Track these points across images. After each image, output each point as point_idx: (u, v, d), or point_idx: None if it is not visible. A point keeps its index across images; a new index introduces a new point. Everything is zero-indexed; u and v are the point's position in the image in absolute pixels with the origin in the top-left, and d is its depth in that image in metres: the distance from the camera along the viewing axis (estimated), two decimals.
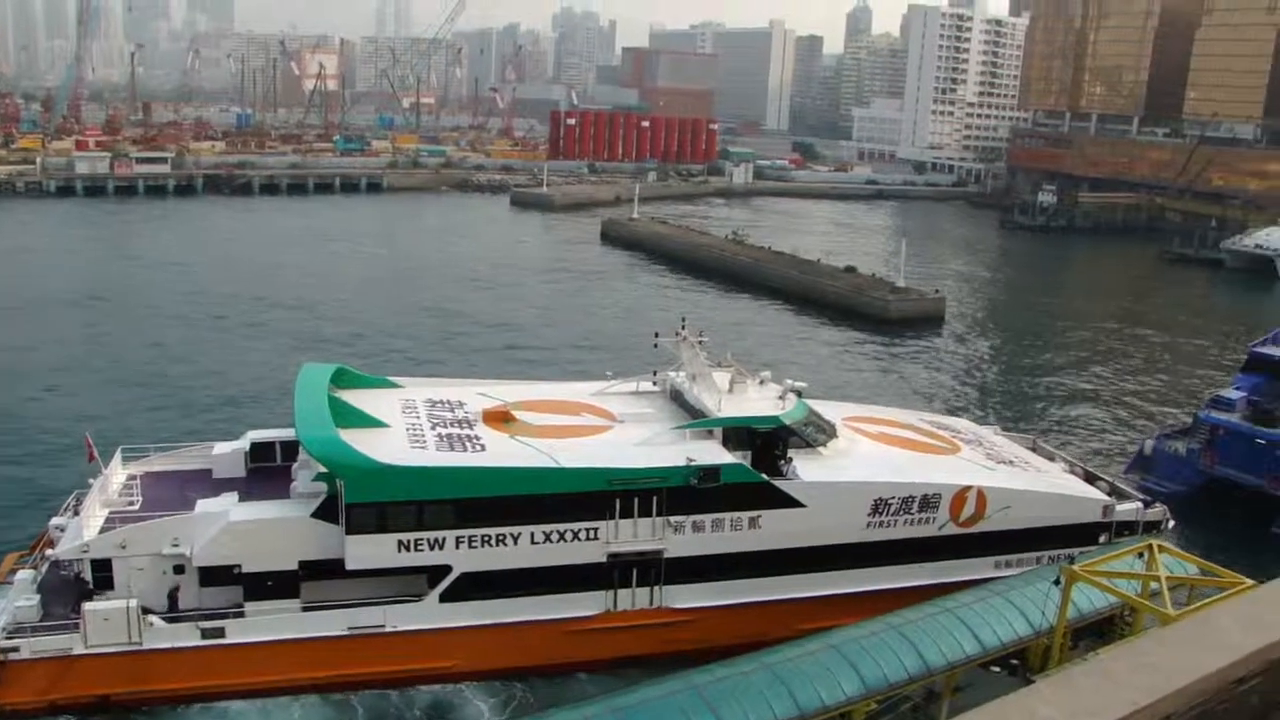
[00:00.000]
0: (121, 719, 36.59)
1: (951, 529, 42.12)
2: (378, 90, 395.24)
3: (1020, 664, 32.88)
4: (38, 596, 36.88)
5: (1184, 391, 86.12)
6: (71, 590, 37.59)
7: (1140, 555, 32.23)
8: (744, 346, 79.55)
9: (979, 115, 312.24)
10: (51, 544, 38.57)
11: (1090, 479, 47.78)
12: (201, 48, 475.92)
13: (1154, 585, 30.47)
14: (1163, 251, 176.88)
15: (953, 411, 68.07)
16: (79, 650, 35.92)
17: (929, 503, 41.66)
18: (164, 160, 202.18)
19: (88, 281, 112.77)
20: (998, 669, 32.95)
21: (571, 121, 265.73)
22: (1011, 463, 46.96)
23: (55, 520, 39.56)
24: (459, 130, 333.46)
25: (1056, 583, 31.41)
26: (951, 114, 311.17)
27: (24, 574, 38.09)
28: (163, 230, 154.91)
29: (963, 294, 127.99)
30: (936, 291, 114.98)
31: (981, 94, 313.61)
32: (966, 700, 30.82)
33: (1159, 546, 31.93)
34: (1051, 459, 50.04)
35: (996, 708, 8.04)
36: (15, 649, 35.43)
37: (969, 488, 42.27)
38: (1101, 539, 43.88)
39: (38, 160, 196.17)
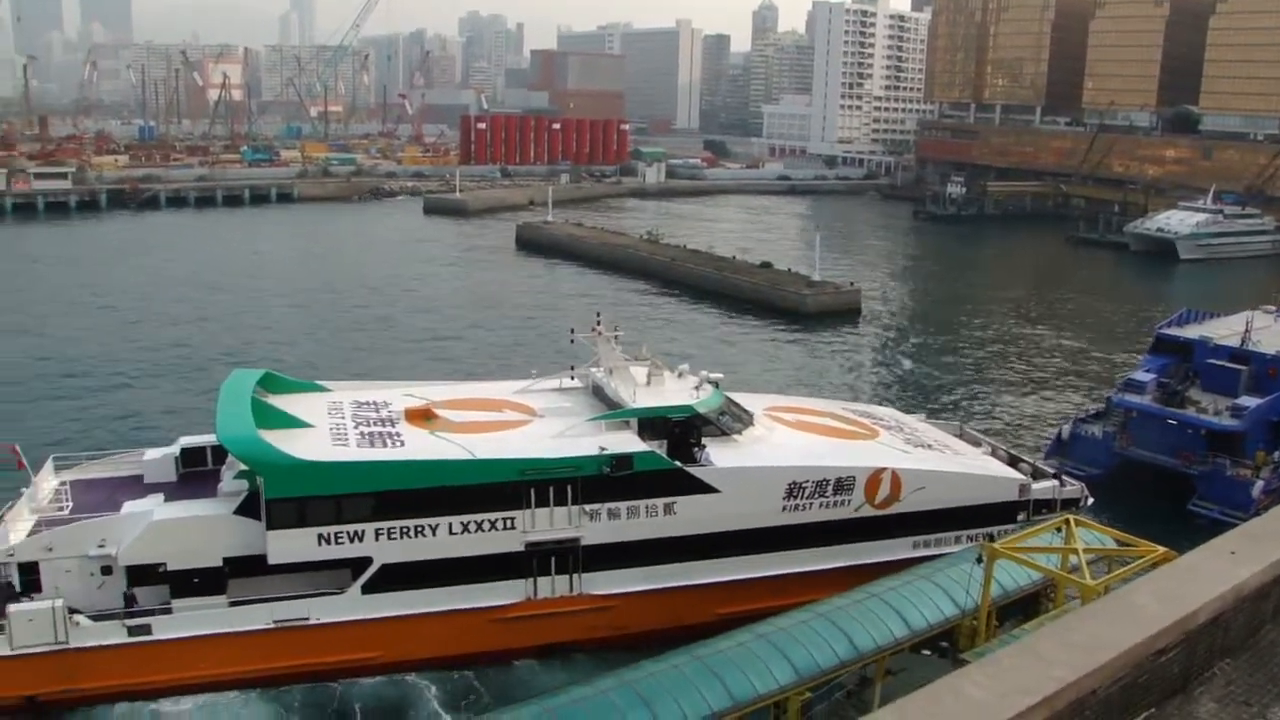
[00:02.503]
0: (50, 719, 36.66)
1: (868, 510, 42.93)
2: (284, 99, 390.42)
3: (949, 645, 33.38)
4: None
5: (1098, 373, 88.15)
6: (2, 595, 37.46)
7: (1058, 530, 32.90)
8: (665, 343, 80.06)
9: (886, 109, 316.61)
10: None
11: (1013, 462, 48.74)
12: (99, 59, 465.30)
13: (1073, 559, 31.15)
14: (1069, 236, 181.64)
15: (877, 402, 68.85)
16: (5, 652, 35.94)
17: (843, 485, 42.44)
18: (64, 176, 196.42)
19: (6, 302, 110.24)
20: (928, 651, 33.45)
21: (482, 126, 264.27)
22: (930, 446, 47.81)
23: None
24: (369, 138, 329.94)
25: (979, 561, 31.93)
26: (859, 108, 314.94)
27: None
28: (68, 247, 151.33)
29: (878, 286, 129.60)
30: (852, 284, 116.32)
31: (888, 88, 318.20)
32: (899, 684, 31.21)
33: (1076, 521, 32.62)
34: (977, 444, 50.96)
35: (929, 692, 8.21)
36: None
37: (883, 469, 43.06)
38: (1020, 518, 44.78)
39: None
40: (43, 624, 36.17)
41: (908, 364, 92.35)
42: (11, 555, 37.18)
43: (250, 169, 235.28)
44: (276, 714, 37.58)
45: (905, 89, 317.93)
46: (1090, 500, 47.49)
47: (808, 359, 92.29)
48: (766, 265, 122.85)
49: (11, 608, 36.12)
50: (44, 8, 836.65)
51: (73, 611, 36.79)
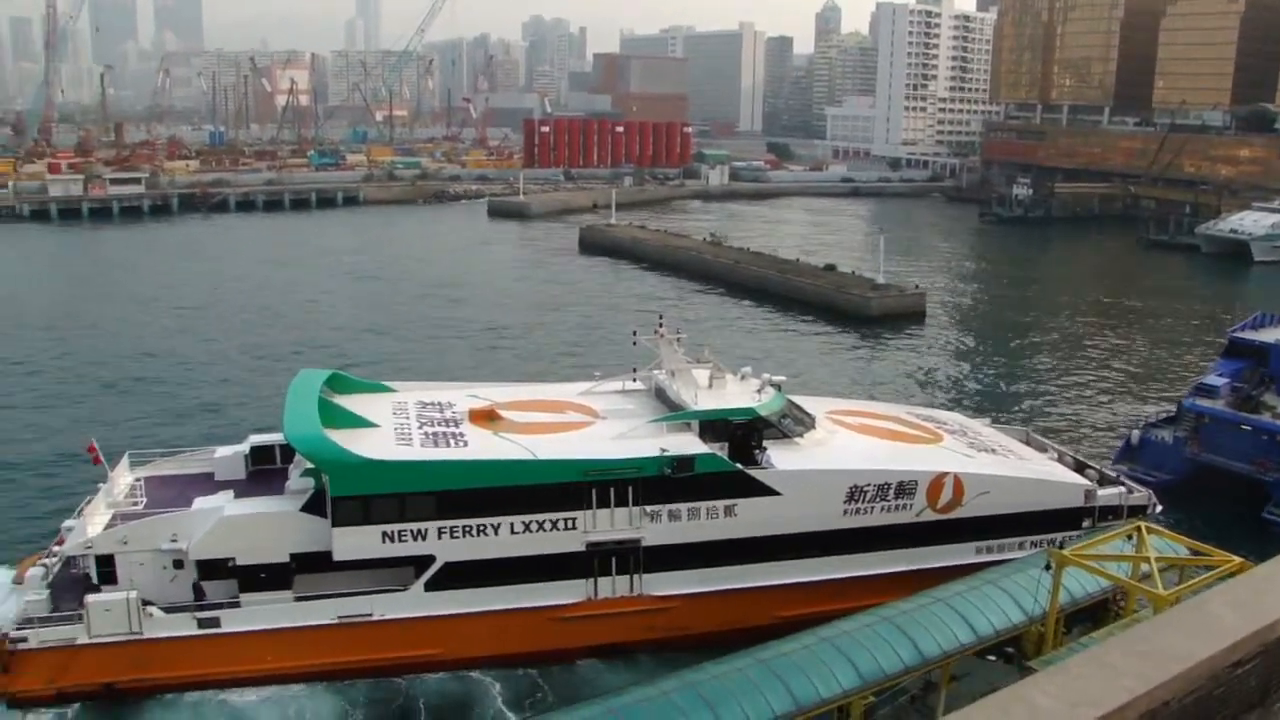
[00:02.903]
0: (124, 706, 37.85)
1: (930, 515, 42.71)
2: (350, 104, 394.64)
3: (1015, 651, 32.99)
4: (47, 591, 38.80)
5: (1168, 377, 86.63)
6: (80, 586, 39.14)
7: (1129, 538, 32.36)
8: (727, 346, 79.92)
9: (951, 110, 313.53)
10: (63, 544, 40.63)
11: (1080, 467, 48.07)
12: (172, 67, 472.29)
13: (1144, 567, 30.60)
14: (1139, 238, 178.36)
15: (941, 406, 68.24)
16: (83, 640, 37.58)
17: (905, 489, 42.25)
18: (138, 181, 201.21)
19: (81, 301, 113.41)
20: (993, 657, 33.07)
21: (546, 129, 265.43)
22: (994, 451, 47.33)
23: (68, 522, 41.56)
24: (433, 141, 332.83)
25: (1047, 568, 31.48)
26: (924, 110, 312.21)
27: (34, 570, 40.15)
28: (143, 250, 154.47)
29: (943, 288, 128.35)
30: (917, 287, 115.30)
31: (953, 89, 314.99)
32: (964, 690, 30.91)
33: (1147, 528, 32.07)
34: (1043, 449, 50.35)
35: (996, 700, 8.08)
36: (24, 639, 37.20)
37: (946, 474, 42.79)
38: (1085, 524, 44.20)
39: (10, 184, 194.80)
40: (119, 614, 37.59)
41: (973, 368, 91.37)
42: (90, 548, 38.76)
43: (317, 173, 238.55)
44: (343, 708, 38.19)
45: (970, 90, 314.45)
46: (1159, 507, 46.62)
47: (871, 362, 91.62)
48: (830, 268, 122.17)
49: (90, 598, 37.70)
50: (120, 18, 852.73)
51: (146, 603, 38.15)
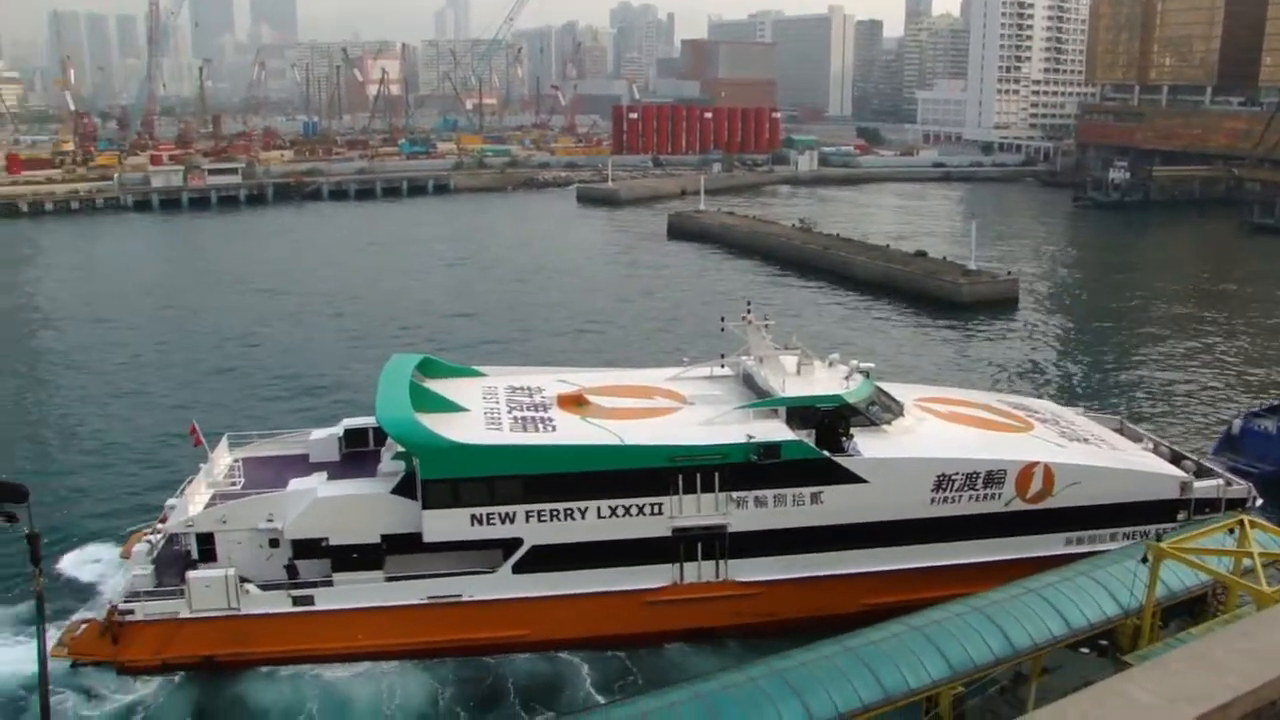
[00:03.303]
0: (224, 678, 39.25)
1: (1019, 505, 42.22)
2: (440, 93, 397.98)
3: (1110, 645, 32.33)
4: (151, 567, 40.80)
5: (1272, 365, 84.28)
6: (181, 562, 40.94)
7: (1230, 531, 31.49)
8: (816, 332, 79.50)
9: (1045, 92, 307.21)
10: (166, 521, 42.43)
11: (1176, 458, 46.86)
12: (267, 59, 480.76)
13: (1246, 562, 29.75)
14: (1242, 223, 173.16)
15: (1033, 395, 66.96)
16: (185, 614, 39.35)
17: (994, 478, 41.81)
18: (235, 171, 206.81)
19: (182, 289, 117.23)
20: (1086, 650, 32.46)
21: (634, 116, 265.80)
22: (1086, 441, 46.40)
23: (170, 500, 43.45)
24: (522, 129, 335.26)
25: (1144, 560, 30.79)
26: (1017, 92, 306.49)
27: (140, 547, 42.31)
28: (240, 238, 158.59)
29: (1037, 275, 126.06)
30: (1009, 273, 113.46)
31: (1047, 71, 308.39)
32: (1056, 682, 30.38)
33: (1250, 522, 31.18)
34: (1138, 439, 49.23)
35: (1092, 694, 7.93)
36: (131, 612, 39.16)
37: (1036, 463, 42.18)
38: (1180, 517, 43.34)
39: (115, 176, 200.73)
40: (218, 590, 39.19)
41: (1066, 356, 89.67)
42: (191, 526, 40.47)
43: (408, 161, 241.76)
44: (432, 687, 38.98)
45: (1065, 71, 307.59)
46: (1259, 501, 45.25)
47: (962, 350, 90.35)
48: (921, 254, 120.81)
49: (191, 574, 39.40)
50: (218, 13, 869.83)
51: (243, 580, 39.59)
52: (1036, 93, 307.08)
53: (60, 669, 37.34)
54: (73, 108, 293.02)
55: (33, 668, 34.96)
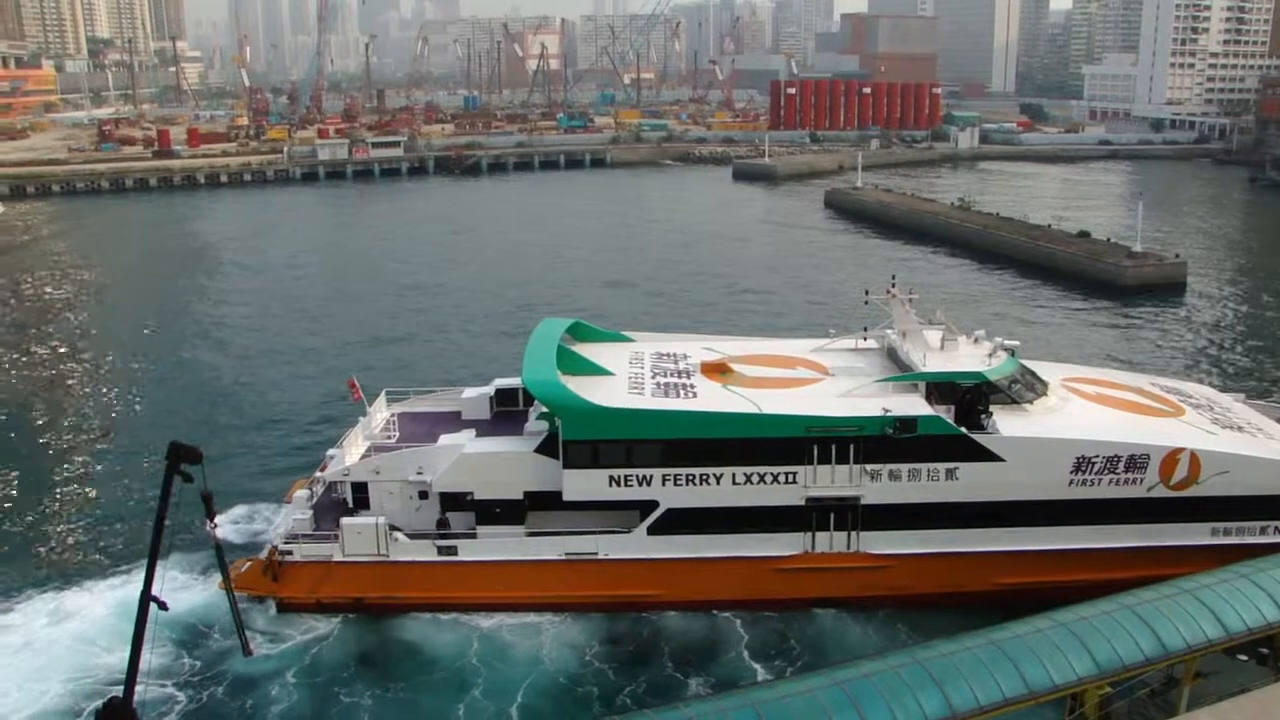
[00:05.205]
0: (372, 619, 41.79)
1: (1162, 491, 41.26)
2: (598, 68, 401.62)
3: (1270, 652, 31.39)
4: (311, 512, 43.66)
5: None
6: (338, 509, 43.64)
7: None
8: (974, 314, 78.66)
9: (1223, 66, 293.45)
10: (325, 470, 45.63)
11: None
12: (429, 35, 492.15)
13: None
14: None
15: (1195, 380, 64.97)
16: (338, 558, 41.82)
17: (1136, 463, 40.96)
18: (397, 144, 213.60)
19: (348, 255, 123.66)
20: (1244, 656, 31.62)
21: (792, 91, 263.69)
22: (1240, 429, 44.93)
23: (330, 451, 46.70)
24: (679, 104, 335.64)
25: None
26: (1192, 66, 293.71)
27: (301, 493, 45.45)
28: (402, 208, 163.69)
29: (1207, 258, 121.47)
30: (1177, 256, 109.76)
31: (1226, 43, 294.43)
32: (1210, 688, 29.69)
33: None
34: None
35: (1255, 699, 8.05)
36: (290, 553, 41.95)
37: (1181, 449, 41.13)
38: None
39: (285, 149, 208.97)
40: (369, 537, 41.68)
41: (1235, 342, 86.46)
42: (347, 475, 43.27)
43: (565, 135, 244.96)
44: (576, 639, 40.50)
45: (1246, 43, 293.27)
46: None
47: (1123, 333, 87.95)
48: (1084, 234, 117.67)
49: (345, 520, 42.04)
50: None
51: (393, 529, 42.04)
52: (1214, 65, 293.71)
53: (226, 604, 39.42)
54: (247, 84, 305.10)
55: (209, 608, 39.72)
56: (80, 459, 60.41)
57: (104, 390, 73.49)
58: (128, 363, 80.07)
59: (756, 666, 39.02)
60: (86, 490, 55.72)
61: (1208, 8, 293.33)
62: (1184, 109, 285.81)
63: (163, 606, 32.31)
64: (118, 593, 41.90)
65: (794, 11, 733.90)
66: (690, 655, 39.64)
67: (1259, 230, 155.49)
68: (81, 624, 40.29)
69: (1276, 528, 41.60)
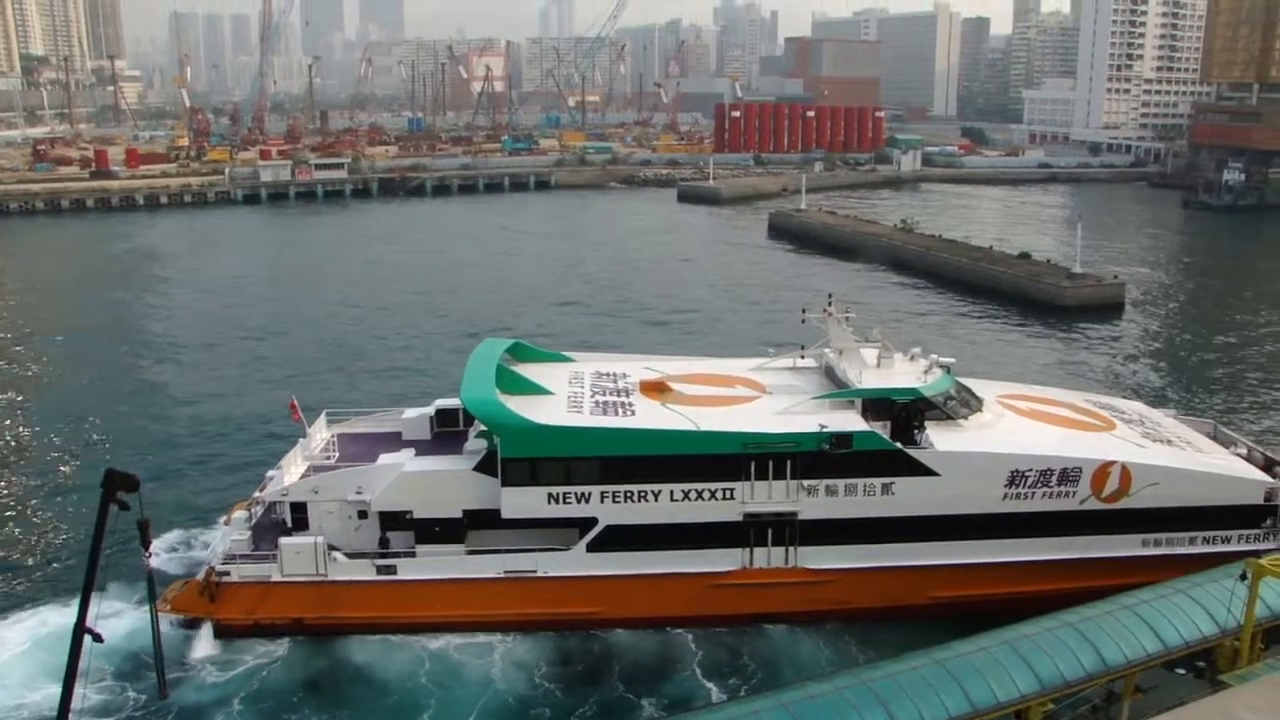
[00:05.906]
0: (318, 642, 41.32)
1: (1094, 504, 41.97)
2: (544, 90, 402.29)
3: (1207, 665, 31.78)
4: (249, 532, 43.41)
5: None
6: (277, 529, 43.28)
7: None
8: (915, 334, 79.05)
9: (1157, 92, 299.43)
10: (264, 490, 45.22)
11: (1270, 466, 45.75)
12: (374, 56, 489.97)
13: None
14: None
15: (1129, 397, 65.77)
16: (276, 578, 41.61)
17: (1068, 476, 41.61)
18: (341, 166, 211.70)
19: (290, 277, 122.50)
20: (1182, 670, 31.95)
21: (736, 114, 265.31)
22: (1169, 442, 45.75)
23: (270, 472, 46.57)
24: (624, 126, 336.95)
25: (1243, 578, 30.25)
26: (1128, 91, 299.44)
27: (240, 514, 45.08)
28: (343, 230, 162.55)
29: (1144, 279, 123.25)
30: (1115, 277, 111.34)
31: (1160, 69, 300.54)
32: (1149, 702, 29.97)
33: None
34: (1231, 444, 48.17)
35: (1193, 711, 8.04)
36: (228, 573, 41.61)
37: (1112, 463, 41.84)
38: (1266, 523, 42.89)
39: (226, 171, 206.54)
40: (308, 557, 41.46)
41: (1169, 361, 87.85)
42: (285, 495, 42.96)
43: (510, 158, 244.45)
44: (515, 659, 40.17)
45: (1179, 70, 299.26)
46: None
47: (1062, 353, 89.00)
48: (1025, 256, 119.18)
49: (283, 540, 41.66)
50: (328, 11, 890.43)
51: (332, 548, 41.73)
52: (1148, 91, 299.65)
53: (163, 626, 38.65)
54: (188, 104, 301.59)
55: (149, 637, 36.75)
56: (12, 487, 58.88)
57: (37, 414, 71.82)
58: (63, 385, 78.56)
59: (709, 685, 38.85)
60: (17, 520, 54.21)
61: (1142, 35, 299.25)
62: (1120, 133, 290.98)
63: (98, 639, 31.31)
64: (47, 627, 40.44)
65: (739, 35, 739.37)
66: (642, 674, 39.45)
67: (1193, 251, 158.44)
68: (5, 659, 38.88)
69: (1205, 538, 42.40)
